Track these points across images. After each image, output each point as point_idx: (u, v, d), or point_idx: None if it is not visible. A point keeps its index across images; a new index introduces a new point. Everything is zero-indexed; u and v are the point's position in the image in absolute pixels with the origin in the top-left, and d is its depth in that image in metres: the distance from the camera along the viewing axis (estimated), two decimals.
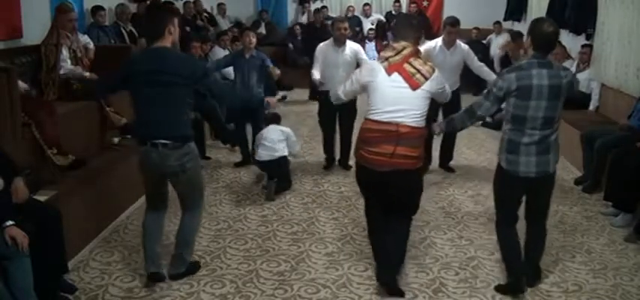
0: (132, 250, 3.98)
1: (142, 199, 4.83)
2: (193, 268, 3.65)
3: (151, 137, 3.21)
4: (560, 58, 7.77)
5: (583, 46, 7.16)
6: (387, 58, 3.28)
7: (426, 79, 3.23)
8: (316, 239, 4.20)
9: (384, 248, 3.45)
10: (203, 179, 3.67)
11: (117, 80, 3.42)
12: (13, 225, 2.87)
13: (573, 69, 7.10)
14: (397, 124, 3.20)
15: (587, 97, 6.82)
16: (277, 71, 5.80)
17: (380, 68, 3.28)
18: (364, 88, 3.39)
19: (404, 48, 3.27)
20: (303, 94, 9.91)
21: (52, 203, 3.52)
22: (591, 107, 6.77)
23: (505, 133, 3.29)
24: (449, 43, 5.39)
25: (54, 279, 3.26)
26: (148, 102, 3.20)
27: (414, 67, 3.23)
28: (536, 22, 3.23)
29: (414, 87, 3.21)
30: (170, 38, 3.25)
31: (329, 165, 5.88)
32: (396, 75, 3.23)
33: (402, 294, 3.41)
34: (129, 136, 5.14)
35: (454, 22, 5.46)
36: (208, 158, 6.08)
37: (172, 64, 3.20)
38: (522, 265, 3.44)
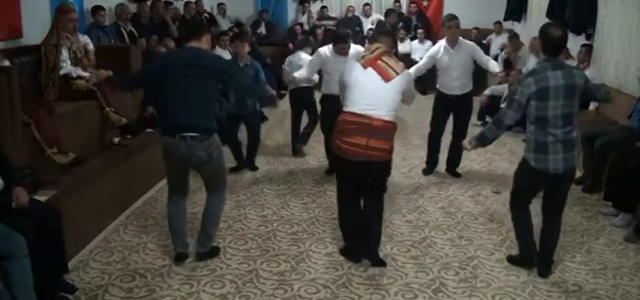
0: (132, 250, 3.98)
1: (143, 199, 4.88)
2: (215, 251, 3.88)
3: (179, 130, 3.46)
4: (561, 57, 7.78)
5: (582, 45, 7.16)
6: (362, 57, 3.69)
7: (397, 74, 3.58)
8: (316, 239, 4.19)
9: (353, 228, 3.79)
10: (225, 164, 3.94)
11: (142, 76, 3.88)
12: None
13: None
14: (371, 118, 3.51)
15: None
16: (272, 92, 5.71)
17: (356, 65, 3.66)
18: (346, 85, 3.69)
19: (377, 48, 3.65)
20: None
21: (52, 203, 3.53)
22: (591, 107, 6.75)
23: (531, 134, 3.49)
24: (452, 41, 5.29)
25: (54, 279, 3.26)
26: (180, 95, 3.47)
27: (387, 63, 3.60)
28: (545, 27, 3.47)
29: (387, 79, 3.55)
30: (204, 44, 3.63)
31: (332, 171, 5.55)
32: (370, 69, 3.59)
33: (383, 264, 3.76)
34: (129, 136, 5.14)
35: (454, 16, 5.38)
36: None
37: (201, 59, 3.54)
38: (538, 254, 3.69)
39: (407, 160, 6.27)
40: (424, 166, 5.80)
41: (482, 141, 3.77)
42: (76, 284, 3.46)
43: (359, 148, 3.50)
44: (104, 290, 3.44)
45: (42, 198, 3.53)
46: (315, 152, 6.40)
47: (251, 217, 4.59)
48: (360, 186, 3.71)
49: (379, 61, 3.59)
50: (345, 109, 3.63)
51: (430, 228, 4.43)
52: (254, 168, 5.82)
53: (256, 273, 3.68)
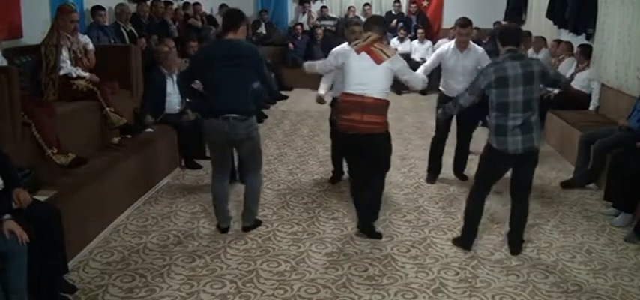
0: (132, 250, 3.98)
1: (142, 199, 4.88)
2: (257, 223, 4.38)
3: (223, 112, 3.93)
4: (560, 53, 7.78)
5: (579, 46, 7.15)
6: (356, 44, 4.09)
7: (388, 57, 3.99)
8: (316, 239, 4.20)
9: (362, 202, 4.21)
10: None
11: (194, 72, 4.26)
12: (10, 219, 2.89)
13: (573, 69, 7.10)
14: (363, 96, 3.93)
15: (587, 97, 6.82)
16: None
17: (351, 51, 4.07)
18: (339, 69, 4.20)
19: (370, 36, 4.05)
20: (302, 94, 9.92)
21: (52, 203, 3.52)
22: (591, 107, 6.76)
23: (492, 120, 3.83)
24: (461, 46, 5.13)
25: (54, 279, 3.26)
26: (222, 82, 3.93)
27: (379, 49, 4.01)
28: (502, 26, 3.74)
29: (379, 61, 3.95)
30: (241, 34, 4.04)
31: (336, 179, 5.45)
32: (363, 54, 3.99)
33: (380, 236, 4.21)
34: (129, 136, 5.14)
35: (464, 23, 5.13)
36: (208, 158, 6.07)
37: (242, 50, 3.98)
38: (508, 234, 4.10)
39: (407, 160, 6.27)
40: (425, 174, 5.61)
41: (444, 112, 4.41)
42: (76, 284, 3.46)
43: (355, 123, 3.94)
44: (104, 290, 3.44)
45: (42, 198, 3.52)
46: (315, 152, 6.41)
47: None
48: (363, 160, 4.10)
49: (372, 47, 3.99)
50: (343, 90, 4.07)
51: (430, 228, 4.43)
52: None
53: (256, 273, 3.68)
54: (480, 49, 5.34)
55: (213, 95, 4.02)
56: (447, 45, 5.36)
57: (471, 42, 5.25)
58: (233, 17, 4.06)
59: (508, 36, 3.82)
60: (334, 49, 4.49)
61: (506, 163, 3.84)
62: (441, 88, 5.42)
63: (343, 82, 4.10)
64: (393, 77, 4.06)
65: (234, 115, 3.93)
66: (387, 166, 4.23)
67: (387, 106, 4.05)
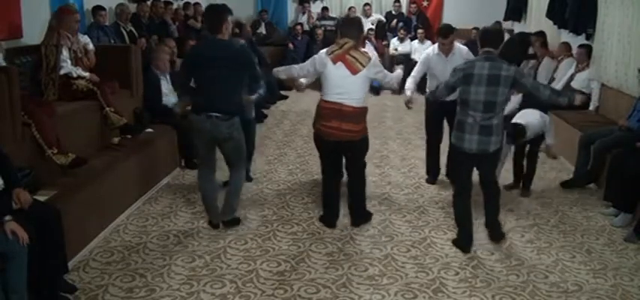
0: (132, 250, 3.98)
1: (142, 199, 4.88)
2: (236, 221, 4.37)
3: (206, 110, 3.98)
4: (558, 54, 7.76)
5: (579, 46, 7.14)
6: (332, 52, 4.10)
7: (364, 66, 4.04)
8: (316, 239, 4.20)
9: (332, 199, 4.42)
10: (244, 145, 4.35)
11: (187, 71, 4.23)
12: (12, 219, 2.89)
13: (573, 69, 7.09)
14: (341, 104, 4.05)
15: (587, 98, 6.80)
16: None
17: (327, 60, 4.10)
18: (318, 75, 4.25)
19: (346, 43, 4.08)
20: (302, 94, 9.90)
21: (52, 203, 3.52)
22: (591, 107, 6.75)
23: (456, 115, 3.96)
24: (445, 53, 5.04)
25: (54, 279, 3.26)
26: (208, 81, 3.98)
27: (354, 57, 4.05)
28: (483, 28, 4.08)
29: (354, 72, 4.03)
30: (226, 32, 4.04)
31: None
32: (340, 64, 4.06)
33: (370, 214, 4.54)
34: (129, 136, 5.14)
35: (445, 32, 5.02)
36: None
37: (230, 52, 4.02)
38: (485, 223, 4.21)
39: (407, 160, 6.27)
40: (425, 174, 5.58)
41: (433, 95, 4.47)
42: (76, 284, 3.46)
43: (335, 129, 4.08)
44: (104, 290, 3.44)
45: (42, 198, 3.52)
46: (315, 152, 6.38)
47: (251, 217, 4.59)
48: (343, 161, 4.37)
49: (347, 56, 4.04)
50: (322, 97, 4.18)
51: (430, 228, 4.43)
52: (249, 179, 5.42)
53: (256, 273, 3.68)
54: (464, 48, 5.19)
55: (200, 93, 4.07)
56: (430, 50, 5.23)
57: (455, 43, 5.11)
58: (213, 19, 4.06)
59: (488, 38, 3.90)
60: (314, 56, 4.34)
61: (466, 161, 3.94)
62: (428, 90, 5.29)
63: (322, 88, 4.17)
64: (370, 82, 4.18)
65: (216, 115, 3.97)
66: (363, 164, 4.41)
67: (365, 112, 4.18)
